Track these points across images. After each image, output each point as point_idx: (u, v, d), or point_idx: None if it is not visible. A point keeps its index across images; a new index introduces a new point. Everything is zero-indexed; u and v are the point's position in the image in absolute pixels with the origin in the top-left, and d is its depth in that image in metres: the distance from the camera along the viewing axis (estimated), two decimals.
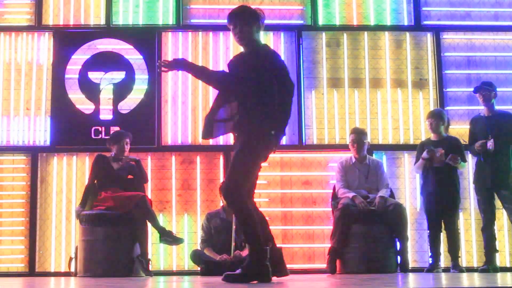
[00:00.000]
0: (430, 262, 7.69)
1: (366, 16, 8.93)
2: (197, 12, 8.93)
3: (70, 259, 7.66)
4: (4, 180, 8.54)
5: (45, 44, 8.78)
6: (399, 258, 7.35)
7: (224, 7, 8.83)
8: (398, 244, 7.39)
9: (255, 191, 5.41)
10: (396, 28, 8.92)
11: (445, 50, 8.86)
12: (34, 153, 8.53)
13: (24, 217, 8.42)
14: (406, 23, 8.92)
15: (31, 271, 8.27)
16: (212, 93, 8.64)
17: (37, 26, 8.80)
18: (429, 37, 8.87)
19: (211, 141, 8.46)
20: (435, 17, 8.96)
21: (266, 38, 8.74)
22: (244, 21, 5.37)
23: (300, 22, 8.93)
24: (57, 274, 8.24)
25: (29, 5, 8.87)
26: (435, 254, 7.69)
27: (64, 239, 8.37)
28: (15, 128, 8.61)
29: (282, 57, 8.56)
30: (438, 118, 7.83)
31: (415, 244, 8.38)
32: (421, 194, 7.98)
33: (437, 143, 7.79)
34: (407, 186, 8.54)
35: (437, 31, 8.87)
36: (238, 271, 5.09)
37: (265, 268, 5.07)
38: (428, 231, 7.79)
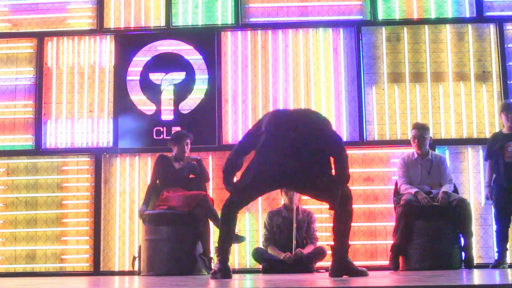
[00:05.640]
0: (496, 258, 7.52)
1: (426, 9, 8.77)
2: (255, 11, 8.92)
3: (134, 258, 7.75)
4: (69, 182, 8.70)
5: (107, 47, 8.92)
6: (463, 254, 7.15)
7: (283, 5, 8.82)
8: (462, 240, 7.21)
9: None
10: (458, 21, 8.71)
11: (509, 42, 8.61)
12: (97, 155, 8.67)
13: (88, 217, 8.56)
14: (468, 15, 8.72)
15: (96, 270, 8.39)
16: (272, 92, 8.65)
17: (99, 29, 8.94)
18: (492, 29, 8.65)
19: None
20: (498, 8, 8.73)
21: (325, 35, 8.71)
22: None
23: (360, 17, 8.83)
24: (121, 273, 8.35)
25: (90, 9, 9.02)
26: (502, 250, 7.51)
27: (127, 238, 8.48)
28: (79, 131, 8.76)
29: (342, 54, 8.67)
30: None
31: (479, 240, 8.19)
32: (494, 186, 7.70)
33: (510, 136, 7.61)
34: (471, 181, 8.35)
35: (500, 22, 8.62)
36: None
37: None
38: (496, 226, 7.60)
